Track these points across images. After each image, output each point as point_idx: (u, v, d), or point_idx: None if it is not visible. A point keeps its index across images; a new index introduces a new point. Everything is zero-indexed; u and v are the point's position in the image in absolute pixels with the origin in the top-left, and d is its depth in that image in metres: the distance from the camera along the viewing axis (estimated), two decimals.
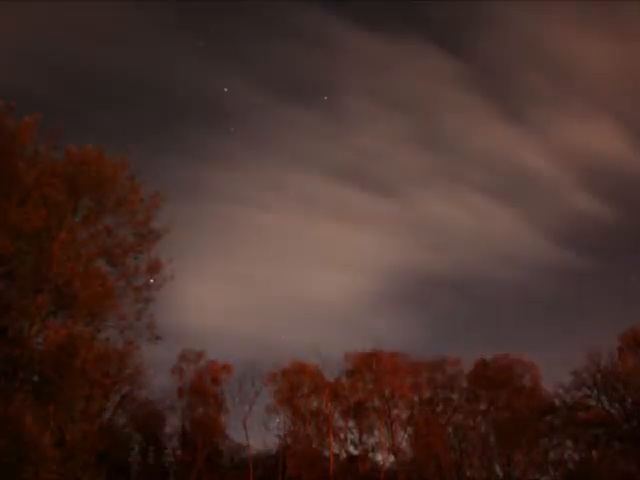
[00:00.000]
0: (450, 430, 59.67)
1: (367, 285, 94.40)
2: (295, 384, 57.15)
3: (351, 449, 58.36)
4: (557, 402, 52.46)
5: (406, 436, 57.68)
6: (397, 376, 57.10)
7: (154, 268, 21.97)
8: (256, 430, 60.42)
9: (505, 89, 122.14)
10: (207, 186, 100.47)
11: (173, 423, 55.84)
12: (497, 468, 58.49)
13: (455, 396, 59.39)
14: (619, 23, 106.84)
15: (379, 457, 57.65)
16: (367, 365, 58.77)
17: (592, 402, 48.61)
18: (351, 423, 58.66)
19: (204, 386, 55.69)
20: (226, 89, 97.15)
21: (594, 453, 51.29)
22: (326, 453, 56.87)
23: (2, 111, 20.32)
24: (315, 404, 57.93)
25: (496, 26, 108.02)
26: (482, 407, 58.72)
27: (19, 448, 17.47)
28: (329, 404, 57.43)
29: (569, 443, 53.82)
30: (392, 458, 56.88)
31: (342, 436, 58.15)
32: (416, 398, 58.74)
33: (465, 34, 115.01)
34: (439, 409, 59.11)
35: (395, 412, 57.76)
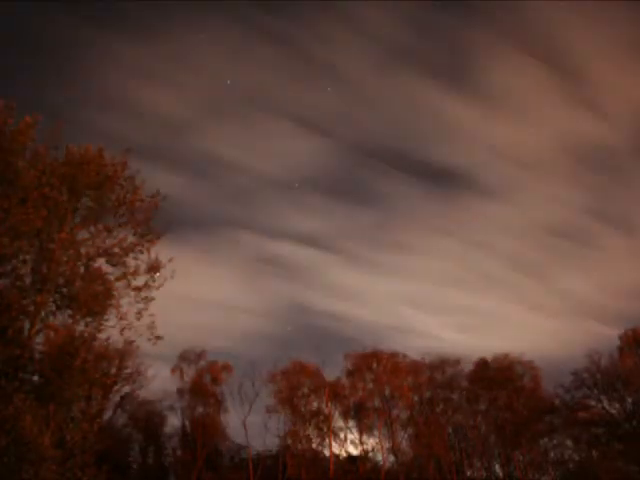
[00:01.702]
0: (450, 430, 59.72)
1: None
2: (295, 384, 57.16)
3: (351, 449, 58.46)
4: (557, 402, 52.53)
5: (406, 436, 57.74)
6: (397, 376, 57.11)
7: (154, 268, 21.94)
8: (256, 430, 60.42)
9: None
10: None
11: (173, 423, 56.00)
12: (497, 468, 58.60)
13: (455, 396, 59.45)
14: None
15: (379, 457, 57.74)
16: (367, 365, 58.81)
17: (592, 402, 48.67)
18: (351, 423, 58.72)
19: (204, 386, 55.73)
20: None
21: (594, 453, 51.31)
22: (326, 453, 56.93)
23: (2, 111, 20.31)
24: (315, 404, 57.95)
25: None
26: (482, 407, 58.75)
27: (19, 448, 17.48)
28: (329, 404, 57.43)
29: (569, 443, 53.91)
30: (392, 458, 56.96)
31: (342, 436, 58.22)
32: (416, 398, 58.76)
33: None
34: (439, 409, 59.11)
35: (395, 412, 57.81)
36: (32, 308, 19.45)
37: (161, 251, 21.42)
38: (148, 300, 21.39)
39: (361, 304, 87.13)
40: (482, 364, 59.45)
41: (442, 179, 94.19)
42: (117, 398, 46.81)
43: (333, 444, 56.64)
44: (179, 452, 55.70)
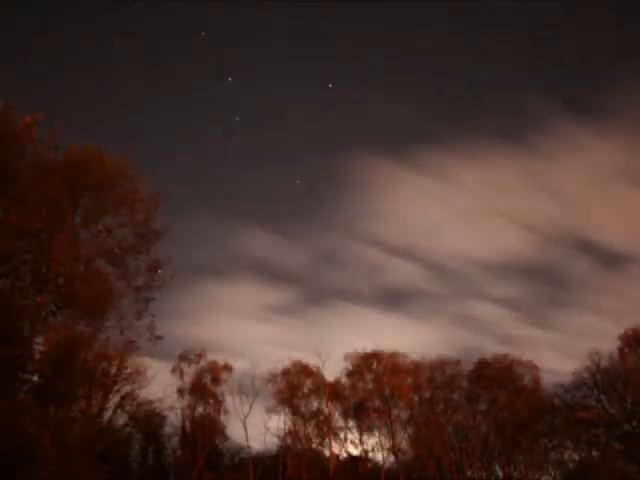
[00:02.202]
0: (450, 430, 59.68)
1: None
2: (295, 384, 57.15)
3: (351, 449, 58.45)
4: (557, 402, 52.46)
5: (406, 436, 57.70)
6: (397, 376, 57.08)
7: (154, 268, 21.96)
8: (256, 430, 60.35)
9: None
10: None
11: (173, 423, 55.94)
12: (497, 468, 58.57)
13: (455, 396, 59.41)
14: None
15: (379, 457, 57.74)
16: (367, 365, 58.79)
17: (592, 402, 48.55)
18: (351, 423, 58.69)
19: (204, 386, 55.70)
20: None
21: (594, 453, 51.27)
22: (326, 453, 56.92)
23: (2, 111, 20.28)
24: (315, 404, 57.96)
25: None
26: (482, 407, 58.73)
27: (19, 448, 17.46)
28: (329, 404, 57.43)
29: (569, 443, 53.81)
30: (392, 458, 56.94)
31: (342, 436, 58.19)
32: (416, 398, 58.71)
33: None
34: (439, 409, 59.08)
35: (395, 412, 57.77)
36: (32, 308, 19.45)
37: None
38: (148, 300, 21.41)
39: (523, 350, 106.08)
40: (482, 364, 59.42)
41: (610, 257, 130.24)
42: (117, 398, 46.70)
43: (333, 444, 56.71)
44: (179, 452, 55.66)
